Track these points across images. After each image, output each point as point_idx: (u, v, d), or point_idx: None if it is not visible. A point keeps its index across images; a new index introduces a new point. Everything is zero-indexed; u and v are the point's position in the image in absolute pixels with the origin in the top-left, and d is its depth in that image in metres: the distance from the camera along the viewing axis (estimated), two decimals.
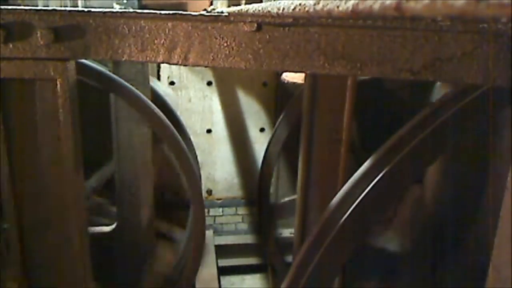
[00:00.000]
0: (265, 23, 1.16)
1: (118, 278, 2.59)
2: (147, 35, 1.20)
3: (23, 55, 1.20)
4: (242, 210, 4.03)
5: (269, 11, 0.93)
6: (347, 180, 1.49)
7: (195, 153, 3.06)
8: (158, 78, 3.68)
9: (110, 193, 2.72)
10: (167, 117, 2.39)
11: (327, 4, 0.59)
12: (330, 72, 1.17)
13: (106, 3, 2.70)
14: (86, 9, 1.21)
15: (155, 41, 1.20)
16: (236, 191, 4.00)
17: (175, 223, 3.08)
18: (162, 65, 3.63)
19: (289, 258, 2.92)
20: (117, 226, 2.58)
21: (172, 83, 3.72)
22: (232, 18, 1.17)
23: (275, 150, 3.13)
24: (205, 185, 3.85)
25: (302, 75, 2.84)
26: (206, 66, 1.23)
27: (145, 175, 2.52)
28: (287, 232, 3.51)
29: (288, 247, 2.73)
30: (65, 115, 1.28)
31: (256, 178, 3.39)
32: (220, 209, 4.01)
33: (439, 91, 1.94)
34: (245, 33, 1.17)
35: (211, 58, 1.20)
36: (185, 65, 1.24)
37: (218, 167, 3.94)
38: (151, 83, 2.56)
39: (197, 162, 3.09)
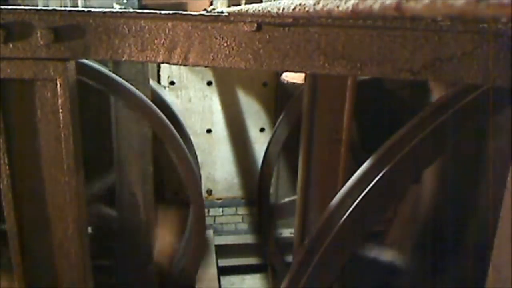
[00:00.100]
0: (265, 23, 1.16)
1: (118, 278, 2.59)
2: (147, 35, 1.20)
3: (23, 55, 1.20)
4: (242, 210, 4.02)
5: (269, 11, 0.93)
6: (347, 180, 1.49)
7: (195, 153, 3.07)
8: (158, 78, 3.68)
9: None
10: (167, 117, 2.39)
11: (327, 4, 0.59)
12: (330, 72, 1.17)
13: (106, 3, 2.70)
14: (86, 9, 1.21)
15: (155, 41, 1.20)
16: (236, 191, 4.00)
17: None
18: (162, 65, 3.63)
19: (289, 258, 2.92)
20: (117, 226, 2.58)
21: (172, 83, 3.71)
22: (232, 18, 1.17)
23: (275, 150, 3.13)
24: (205, 185, 3.85)
25: (302, 75, 2.84)
26: (206, 66, 1.23)
27: (145, 175, 2.52)
28: (287, 232, 3.51)
29: (288, 247, 2.74)
30: (65, 115, 1.28)
31: (256, 178, 3.39)
32: (220, 209, 4.01)
33: (437, 92, 1.94)
34: (245, 33, 1.17)
35: (211, 58, 1.20)
36: (185, 65, 1.24)
37: (218, 167, 3.93)
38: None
39: (197, 162, 3.09)
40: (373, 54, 1.13)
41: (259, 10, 1.04)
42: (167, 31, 1.20)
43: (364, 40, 1.13)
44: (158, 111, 2.32)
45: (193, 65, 1.22)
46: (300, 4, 0.74)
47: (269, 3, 1.03)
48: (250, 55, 1.19)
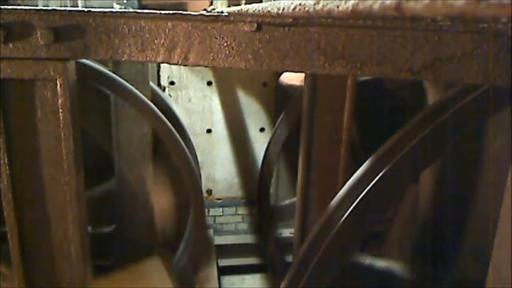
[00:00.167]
0: (265, 23, 1.16)
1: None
2: (147, 35, 1.20)
3: (23, 55, 1.20)
4: (242, 210, 4.03)
5: (269, 11, 0.93)
6: (347, 180, 1.49)
7: (195, 153, 3.06)
8: (158, 78, 3.68)
9: None
10: (167, 117, 2.39)
11: (327, 4, 0.59)
12: (330, 72, 1.17)
13: (106, 3, 2.70)
14: (86, 9, 1.21)
15: (155, 41, 1.20)
16: (236, 191, 4.00)
17: None
18: (162, 65, 3.63)
19: (289, 258, 2.92)
20: (117, 226, 2.58)
21: (172, 83, 3.71)
22: (232, 18, 1.17)
23: (275, 150, 3.13)
24: (205, 185, 3.85)
25: (300, 77, 2.85)
26: (206, 66, 1.23)
27: (145, 175, 2.52)
28: (287, 232, 3.51)
29: (288, 247, 2.73)
30: (65, 115, 1.28)
31: (256, 178, 3.39)
32: (220, 209, 4.01)
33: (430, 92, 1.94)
34: (245, 33, 1.17)
35: (211, 58, 1.20)
36: (185, 65, 1.24)
37: (218, 167, 3.94)
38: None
39: (197, 162, 3.09)
40: (373, 54, 1.13)
41: (259, 10, 1.04)
42: (167, 31, 1.20)
43: (364, 40, 1.13)
44: (158, 111, 2.32)
45: (193, 65, 1.22)
46: (300, 4, 0.74)
47: (269, 3, 1.03)
48: (250, 55, 1.19)
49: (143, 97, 2.26)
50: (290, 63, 1.18)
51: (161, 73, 3.68)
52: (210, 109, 3.81)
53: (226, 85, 3.79)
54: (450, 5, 0.33)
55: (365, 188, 1.42)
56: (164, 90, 3.70)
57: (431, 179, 1.94)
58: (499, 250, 1.06)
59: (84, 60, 1.84)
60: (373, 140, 1.60)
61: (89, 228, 1.80)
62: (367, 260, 1.78)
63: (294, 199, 2.41)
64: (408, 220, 2.16)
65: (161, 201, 2.62)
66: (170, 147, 2.42)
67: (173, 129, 2.38)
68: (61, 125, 1.28)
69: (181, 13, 1.19)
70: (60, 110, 1.27)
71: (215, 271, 3.14)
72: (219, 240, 3.72)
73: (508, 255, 1.01)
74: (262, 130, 3.89)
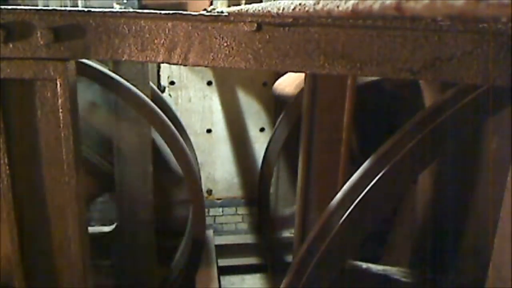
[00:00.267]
0: (265, 23, 1.16)
1: (118, 278, 2.59)
2: (147, 35, 1.20)
3: (23, 55, 1.20)
4: (242, 210, 4.03)
5: (269, 11, 0.93)
6: (347, 180, 1.49)
7: (194, 153, 3.07)
8: (158, 78, 3.68)
9: None
10: (166, 117, 2.39)
11: (327, 4, 0.59)
12: (330, 72, 1.17)
13: (106, 3, 2.70)
14: (86, 9, 1.21)
15: (155, 41, 1.20)
16: (236, 191, 4.00)
17: None
18: (162, 65, 3.63)
19: (289, 258, 2.92)
20: (117, 226, 2.58)
21: (172, 83, 3.72)
22: (232, 18, 1.17)
23: (275, 150, 3.13)
24: (205, 185, 3.86)
25: (293, 85, 2.85)
26: (206, 66, 1.23)
27: (145, 175, 2.52)
28: (287, 232, 3.51)
29: (288, 247, 2.74)
30: (65, 115, 1.28)
31: (256, 178, 3.39)
32: (220, 209, 4.01)
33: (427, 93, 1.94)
34: (245, 33, 1.17)
35: (211, 58, 1.20)
36: (185, 65, 1.24)
37: (218, 167, 3.94)
38: None
39: (197, 162, 3.09)
40: (373, 54, 1.13)
41: (259, 10, 1.04)
42: (167, 31, 1.20)
43: (364, 40, 1.13)
44: (158, 111, 2.32)
45: (193, 65, 1.22)
46: (300, 4, 0.74)
47: (269, 3, 1.03)
48: (250, 55, 1.19)
49: (143, 97, 2.26)
50: (290, 63, 1.18)
51: (161, 73, 3.68)
52: (210, 109, 3.81)
53: (226, 85, 3.79)
54: (450, 5, 0.33)
55: (365, 188, 1.42)
56: (164, 90, 3.71)
57: (430, 179, 1.94)
58: (499, 250, 1.06)
59: (84, 60, 1.84)
60: (371, 143, 1.60)
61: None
62: (366, 262, 1.78)
63: (293, 209, 2.41)
64: (407, 221, 2.16)
65: None
66: (170, 147, 2.42)
67: (173, 128, 2.38)
68: (61, 125, 1.28)
69: (181, 13, 1.19)
70: (60, 110, 1.27)
71: (215, 271, 3.14)
72: (219, 240, 3.72)
73: (508, 255, 1.01)
74: (262, 130, 3.89)
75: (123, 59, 1.22)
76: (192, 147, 3.02)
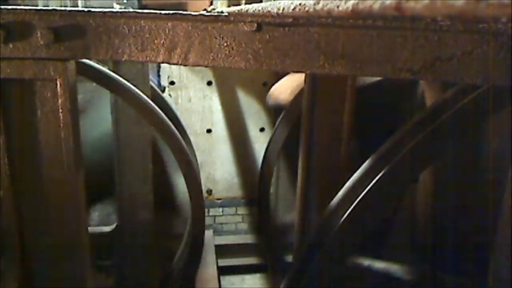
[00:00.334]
0: (265, 23, 1.16)
1: (118, 278, 2.59)
2: (147, 35, 1.20)
3: (23, 55, 1.20)
4: (242, 210, 4.03)
5: (269, 11, 0.93)
6: (347, 180, 1.49)
7: (194, 153, 3.07)
8: (158, 78, 3.68)
9: None
10: (167, 117, 2.39)
11: (327, 4, 0.59)
12: (330, 72, 1.17)
13: (106, 3, 2.70)
14: (86, 9, 1.21)
15: (155, 41, 1.20)
16: (236, 191, 4.00)
17: None
18: (162, 65, 3.63)
19: (289, 258, 2.92)
20: (117, 226, 2.58)
21: (172, 83, 3.72)
22: (232, 18, 1.17)
23: (275, 150, 3.12)
24: (205, 185, 3.85)
25: (288, 92, 2.84)
26: (206, 66, 1.23)
27: (145, 175, 2.52)
28: (287, 232, 3.50)
29: (288, 247, 2.73)
30: (65, 115, 1.28)
31: (256, 178, 3.38)
32: (220, 209, 4.01)
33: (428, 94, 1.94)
34: (245, 33, 1.18)
35: (211, 58, 1.20)
36: (185, 65, 1.24)
37: (218, 167, 3.94)
38: None
39: (197, 163, 3.09)
40: (373, 54, 1.13)
41: (259, 10, 1.04)
42: (167, 31, 1.20)
43: (364, 40, 1.13)
44: (158, 111, 2.32)
45: (193, 65, 1.22)
46: (300, 4, 0.74)
47: (269, 3, 1.03)
48: (250, 55, 1.19)
49: (143, 97, 2.26)
50: (290, 63, 1.18)
51: (161, 73, 3.68)
52: (210, 109, 3.81)
53: (226, 85, 3.79)
54: (450, 5, 0.33)
55: (365, 188, 1.42)
56: (164, 90, 3.70)
57: (430, 179, 1.94)
58: (499, 250, 1.06)
59: (84, 60, 1.84)
60: (371, 144, 1.60)
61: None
62: (367, 261, 1.78)
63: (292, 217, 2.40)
64: (408, 221, 2.16)
65: None
66: (170, 147, 2.42)
67: (173, 128, 2.38)
68: (61, 125, 1.28)
69: (181, 13, 1.19)
70: (60, 110, 1.27)
71: (215, 271, 3.14)
72: (219, 240, 3.72)
73: (508, 256, 1.01)
74: (262, 130, 3.89)
75: (123, 59, 1.22)
76: (192, 148, 3.01)
